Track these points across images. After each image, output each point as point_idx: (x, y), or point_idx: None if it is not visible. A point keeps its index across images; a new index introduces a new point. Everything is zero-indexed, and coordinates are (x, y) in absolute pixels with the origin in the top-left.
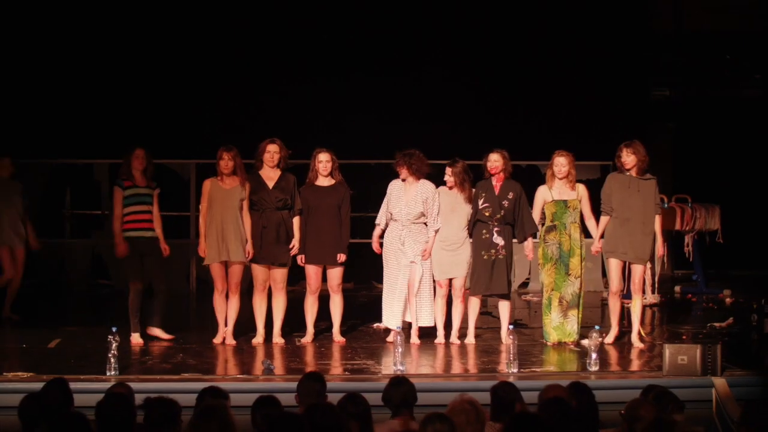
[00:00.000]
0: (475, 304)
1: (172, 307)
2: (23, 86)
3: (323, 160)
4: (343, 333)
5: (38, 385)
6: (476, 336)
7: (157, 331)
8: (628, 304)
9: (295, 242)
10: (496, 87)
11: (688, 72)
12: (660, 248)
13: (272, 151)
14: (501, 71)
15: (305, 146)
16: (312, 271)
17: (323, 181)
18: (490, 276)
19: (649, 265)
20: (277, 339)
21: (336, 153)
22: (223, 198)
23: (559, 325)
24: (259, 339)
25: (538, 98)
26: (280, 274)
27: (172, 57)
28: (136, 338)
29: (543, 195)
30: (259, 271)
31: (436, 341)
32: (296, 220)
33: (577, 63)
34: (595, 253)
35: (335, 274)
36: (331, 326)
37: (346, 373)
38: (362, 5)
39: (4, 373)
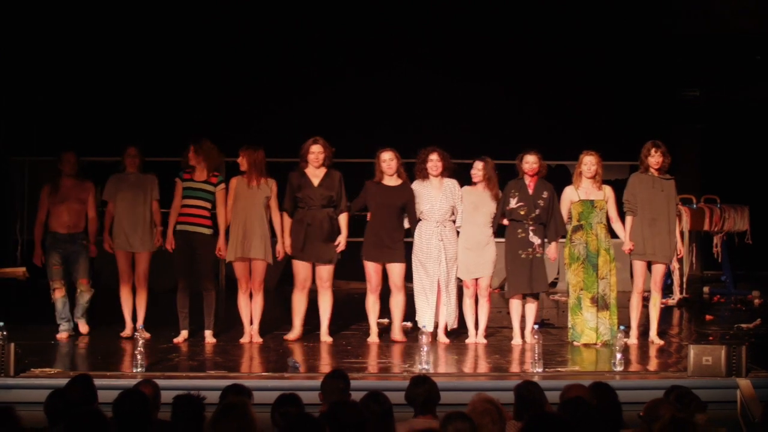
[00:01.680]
0: (516, 305)
1: (201, 305)
2: (53, 82)
3: (386, 159)
4: (359, 332)
5: (65, 381)
6: (522, 336)
7: (206, 334)
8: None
9: (341, 239)
10: (524, 87)
11: (716, 73)
12: (681, 248)
13: (316, 152)
14: (529, 72)
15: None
16: (371, 269)
17: (389, 181)
18: (530, 274)
19: (677, 266)
20: (325, 338)
21: (364, 152)
22: (247, 196)
23: (594, 327)
24: (295, 336)
25: (567, 99)
26: (326, 272)
27: (201, 55)
28: (183, 336)
29: (570, 195)
30: (300, 267)
31: (467, 341)
32: (343, 217)
33: (606, 64)
34: (627, 252)
35: (397, 272)
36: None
37: (371, 371)
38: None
39: (32, 369)
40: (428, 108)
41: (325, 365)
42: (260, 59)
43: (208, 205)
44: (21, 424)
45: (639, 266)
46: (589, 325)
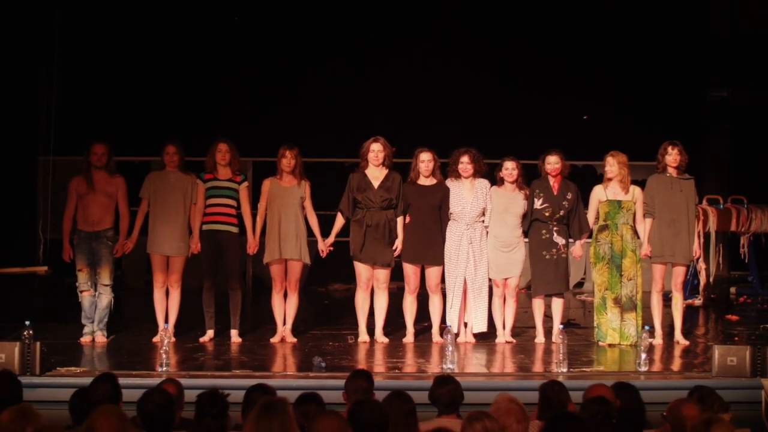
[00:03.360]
0: (539, 304)
1: (227, 305)
2: (82, 82)
3: (425, 160)
4: (391, 331)
5: (90, 381)
6: (545, 334)
7: (232, 333)
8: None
9: (398, 243)
10: (551, 86)
11: (745, 73)
12: (697, 249)
13: (376, 150)
14: (556, 71)
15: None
16: (410, 271)
17: (425, 181)
18: (554, 275)
19: (704, 266)
20: (381, 338)
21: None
22: (282, 196)
23: (618, 328)
24: (364, 338)
25: (594, 99)
26: (383, 274)
27: (230, 55)
28: (209, 335)
29: (598, 194)
30: (362, 269)
31: (496, 340)
32: (399, 221)
33: (635, 65)
34: (644, 256)
35: (435, 275)
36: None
37: (396, 371)
38: None
39: (58, 368)
40: (450, 106)
41: (351, 365)
42: (277, 60)
43: (234, 203)
44: (41, 421)
45: (659, 268)
46: (612, 326)
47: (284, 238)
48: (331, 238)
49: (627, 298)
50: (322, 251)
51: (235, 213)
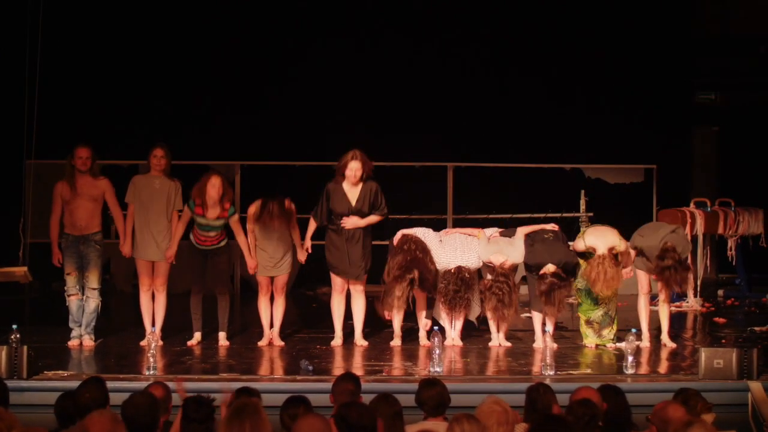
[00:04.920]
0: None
1: (215, 308)
2: (66, 85)
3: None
4: (378, 334)
5: (77, 384)
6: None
7: (220, 336)
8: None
9: (360, 222)
10: (538, 91)
11: (733, 75)
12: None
13: (354, 169)
14: (544, 74)
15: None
16: None
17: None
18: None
19: (691, 269)
20: (360, 341)
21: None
22: (270, 225)
23: (594, 341)
24: (338, 341)
25: (582, 102)
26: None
27: (220, 59)
28: (196, 338)
29: (579, 247)
30: (337, 277)
31: (490, 344)
32: (375, 216)
33: (621, 67)
34: (626, 277)
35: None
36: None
37: (382, 374)
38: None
39: (45, 372)
40: (450, 114)
41: (338, 368)
42: (268, 63)
43: (222, 228)
44: (15, 423)
45: (643, 273)
46: (588, 338)
47: (275, 257)
48: (307, 243)
49: (602, 317)
50: (301, 261)
51: (224, 233)
